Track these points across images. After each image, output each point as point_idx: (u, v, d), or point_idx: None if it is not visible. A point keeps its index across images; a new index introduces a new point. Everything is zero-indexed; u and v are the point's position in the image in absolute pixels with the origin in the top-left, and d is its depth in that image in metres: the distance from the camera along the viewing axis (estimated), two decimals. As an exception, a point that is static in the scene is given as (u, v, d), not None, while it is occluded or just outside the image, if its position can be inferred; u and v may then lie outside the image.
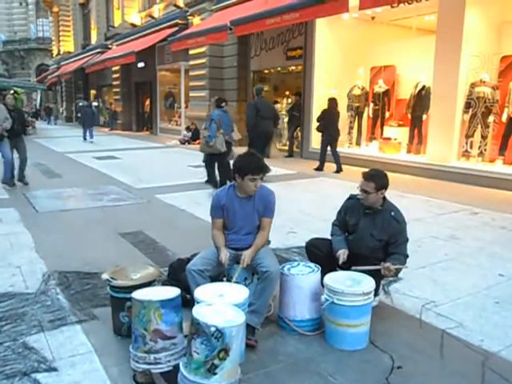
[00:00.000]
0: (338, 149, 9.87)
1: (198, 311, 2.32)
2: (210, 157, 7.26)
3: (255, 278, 3.12)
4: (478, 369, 2.57)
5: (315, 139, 11.81)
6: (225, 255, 3.03)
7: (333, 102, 9.67)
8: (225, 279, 3.20)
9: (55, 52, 35.07)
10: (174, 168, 10.52)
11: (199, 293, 2.65)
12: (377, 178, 3.17)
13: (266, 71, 14.86)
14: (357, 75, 11.61)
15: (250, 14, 11.12)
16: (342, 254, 3.19)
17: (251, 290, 2.89)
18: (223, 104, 7.53)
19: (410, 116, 10.26)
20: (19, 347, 2.76)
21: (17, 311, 3.22)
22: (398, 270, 3.14)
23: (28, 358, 2.65)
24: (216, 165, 7.35)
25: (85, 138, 16.94)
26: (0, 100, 7.47)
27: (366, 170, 3.34)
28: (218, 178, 7.41)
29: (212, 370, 2.21)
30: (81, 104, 21.29)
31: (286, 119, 13.16)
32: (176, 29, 16.07)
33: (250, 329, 2.78)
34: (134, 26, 20.76)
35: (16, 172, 8.09)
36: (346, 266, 3.15)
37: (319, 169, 9.66)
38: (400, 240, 3.20)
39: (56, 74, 30.49)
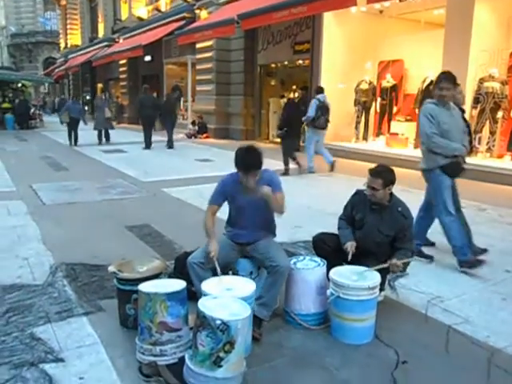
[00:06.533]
0: (344, 143, 11.12)
1: (203, 304, 2.33)
2: (67, 124, 13.61)
3: (261, 272, 3.12)
4: (483, 365, 2.57)
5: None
6: (214, 247, 2.98)
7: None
8: (230, 273, 3.21)
9: (62, 45, 35.14)
10: (180, 162, 10.53)
11: (206, 286, 2.66)
12: (384, 174, 3.16)
13: (273, 65, 14.81)
14: (364, 70, 11.55)
15: (257, 7, 11.08)
16: (350, 247, 3.18)
17: (257, 283, 2.90)
18: (75, 99, 16.39)
19: (417, 111, 10.17)
20: (27, 338, 2.78)
21: (24, 302, 3.25)
22: (405, 265, 3.13)
23: (35, 348, 2.68)
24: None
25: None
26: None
27: (373, 165, 3.32)
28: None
29: (217, 363, 2.22)
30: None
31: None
32: (183, 22, 16.05)
33: (257, 321, 2.80)
34: (140, 19, 20.74)
35: None
36: (352, 260, 3.15)
37: (170, 147, 12.97)
38: (407, 236, 3.20)
39: (63, 67, 30.58)
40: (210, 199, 3.22)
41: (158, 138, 13.56)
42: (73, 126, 13.46)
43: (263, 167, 3.07)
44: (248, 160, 2.98)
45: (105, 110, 14.10)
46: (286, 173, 8.46)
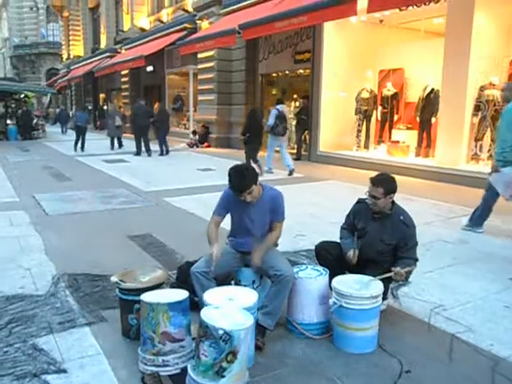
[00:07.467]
0: (345, 152, 11.42)
1: (206, 314, 2.33)
2: (75, 132, 15.11)
3: (263, 281, 3.12)
4: (487, 374, 2.55)
5: (323, 142, 11.83)
6: (216, 250, 2.99)
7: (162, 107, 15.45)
8: (233, 282, 3.21)
9: (65, 56, 35.39)
10: (182, 171, 10.56)
11: (208, 296, 2.66)
12: (385, 182, 3.16)
13: (274, 74, 14.87)
14: (365, 78, 11.59)
15: (258, 17, 11.15)
16: (353, 253, 3.18)
17: (260, 293, 2.90)
18: (83, 108, 17.78)
19: (418, 119, 10.21)
20: (29, 349, 2.78)
21: (27, 313, 3.25)
22: (408, 274, 3.13)
23: (38, 359, 2.67)
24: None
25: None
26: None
27: (374, 173, 3.33)
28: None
29: (220, 373, 2.22)
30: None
31: (293, 122, 13.16)
32: (184, 33, 16.17)
33: (261, 330, 2.80)
34: (142, 30, 20.91)
35: None
36: (355, 269, 3.15)
37: (162, 154, 13.62)
38: (410, 244, 3.19)
39: (66, 78, 30.78)
40: (213, 210, 3.25)
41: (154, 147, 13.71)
42: (80, 134, 14.76)
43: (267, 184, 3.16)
44: (237, 184, 3.02)
45: (116, 119, 15.19)
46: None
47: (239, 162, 3.38)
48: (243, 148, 9.96)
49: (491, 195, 5.25)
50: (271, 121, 9.56)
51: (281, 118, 9.59)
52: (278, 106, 9.79)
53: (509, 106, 5.06)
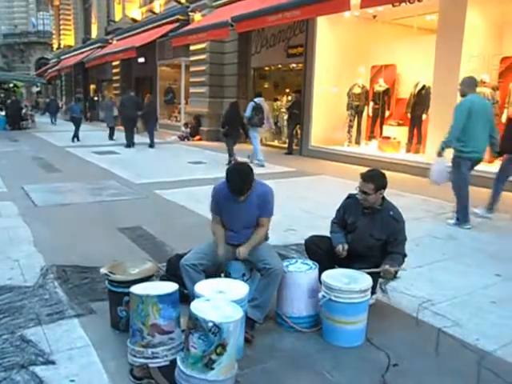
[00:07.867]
0: (336, 147, 11.32)
1: (195, 306, 2.33)
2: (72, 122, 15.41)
3: (254, 274, 3.13)
4: (473, 367, 2.59)
5: (315, 137, 11.85)
6: (222, 250, 3.04)
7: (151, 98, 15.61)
8: (223, 275, 3.21)
9: (55, 46, 34.96)
10: (173, 164, 10.52)
11: (199, 288, 2.66)
12: (376, 178, 3.18)
13: (267, 68, 14.84)
14: (357, 74, 11.60)
15: (251, 10, 11.09)
16: (342, 248, 3.20)
17: (249, 286, 2.90)
18: (76, 101, 18.43)
19: (409, 115, 10.26)
20: (17, 340, 2.76)
21: (15, 304, 3.23)
22: (396, 272, 3.16)
23: (26, 350, 2.66)
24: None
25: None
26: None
27: (365, 169, 3.34)
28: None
29: (209, 365, 2.22)
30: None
31: (285, 117, 13.16)
32: (177, 24, 16.03)
33: (249, 322, 2.81)
34: (134, 20, 20.69)
35: None
36: (344, 264, 3.17)
37: (151, 146, 13.57)
38: (399, 239, 3.21)
39: (56, 68, 30.42)
40: (210, 208, 3.24)
41: (142, 139, 13.69)
42: (76, 125, 15.16)
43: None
44: (236, 188, 2.98)
45: (113, 110, 15.64)
46: (230, 163, 9.44)
47: (238, 159, 3.37)
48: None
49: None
50: (248, 112, 9.98)
51: (257, 109, 9.99)
52: (256, 99, 10.23)
53: (461, 100, 5.36)
